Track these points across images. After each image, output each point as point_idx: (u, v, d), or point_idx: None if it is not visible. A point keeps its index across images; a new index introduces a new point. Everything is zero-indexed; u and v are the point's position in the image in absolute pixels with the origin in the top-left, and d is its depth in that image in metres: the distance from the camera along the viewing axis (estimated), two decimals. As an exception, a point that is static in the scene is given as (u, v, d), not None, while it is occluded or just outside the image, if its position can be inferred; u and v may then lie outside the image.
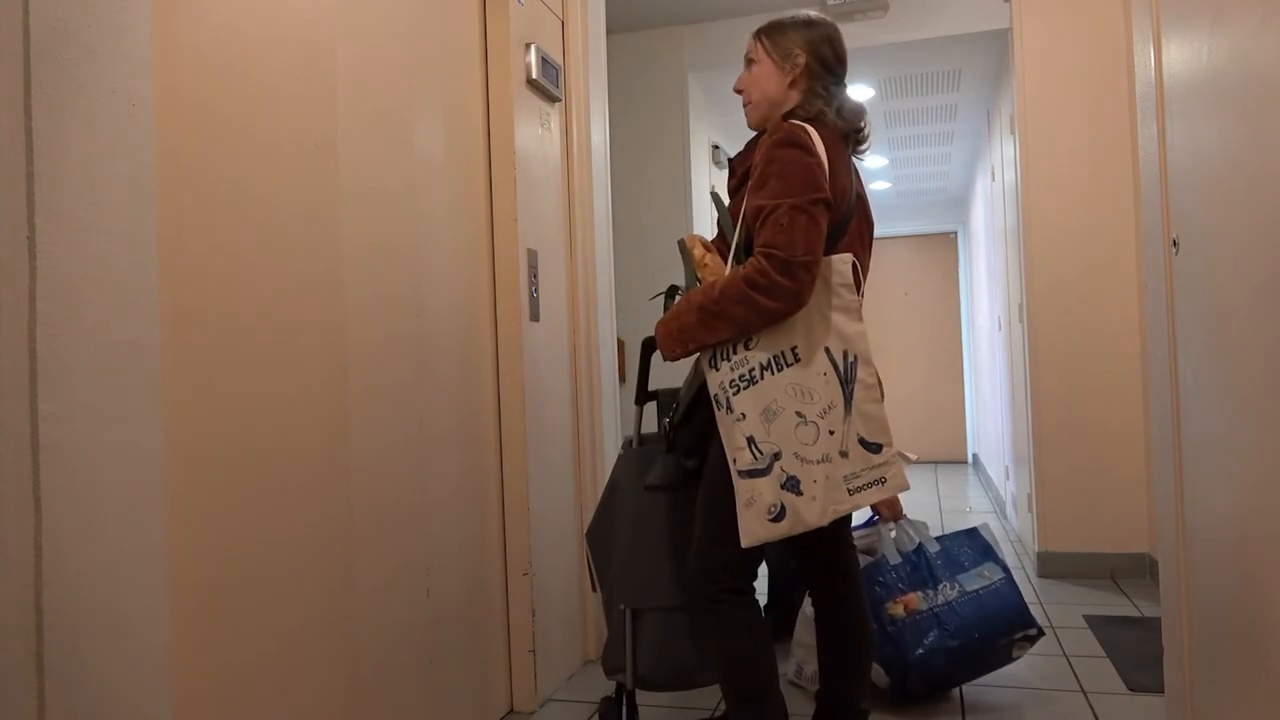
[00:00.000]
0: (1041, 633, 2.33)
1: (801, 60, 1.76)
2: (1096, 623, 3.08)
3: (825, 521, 1.59)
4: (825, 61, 1.77)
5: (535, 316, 2.51)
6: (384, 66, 1.92)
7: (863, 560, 2.29)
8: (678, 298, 1.75)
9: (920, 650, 2.21)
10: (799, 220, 1.56)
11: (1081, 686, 2.51)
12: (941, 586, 2.30)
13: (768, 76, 1.79)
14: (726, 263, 1.72)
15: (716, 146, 4.98)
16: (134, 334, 1.14)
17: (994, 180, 5.26)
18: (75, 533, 1.05)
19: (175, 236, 1.33)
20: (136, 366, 1.15)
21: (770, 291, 1.55)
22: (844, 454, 1.60)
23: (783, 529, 1.59)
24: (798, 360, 1.60)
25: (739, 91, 1.87)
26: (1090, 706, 2.37)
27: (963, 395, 8.35)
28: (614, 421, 3.00)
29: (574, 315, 2.78)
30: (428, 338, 2.06)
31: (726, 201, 1.87)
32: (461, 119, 2.30)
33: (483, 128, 2.42)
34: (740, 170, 1.77)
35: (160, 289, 1.22)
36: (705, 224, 4.74)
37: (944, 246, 8.49)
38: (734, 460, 1.62)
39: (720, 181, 5.12)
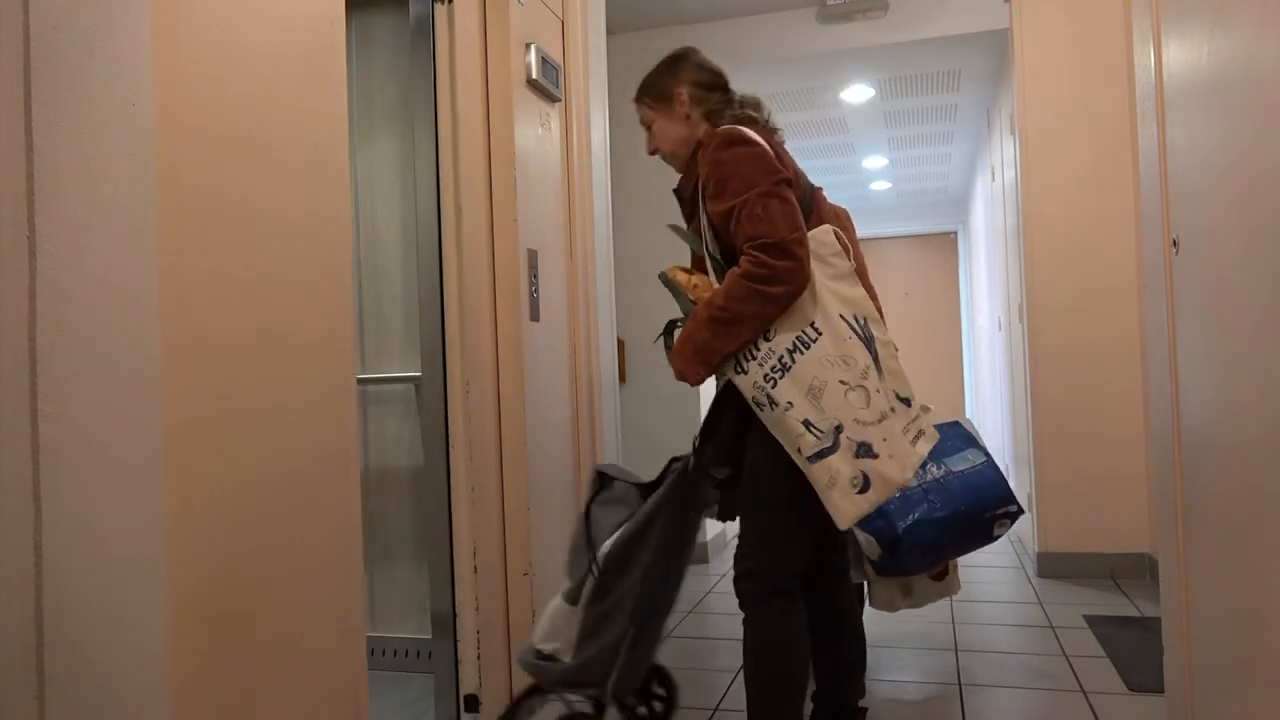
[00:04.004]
0: (1022, 510, 2.44)
1: (684, 95, 1.85)
2: (1096, 623, 3.08)
3: (909, 476, 1.60)
4: (703, 83, 1.86)
5: (535, 316, 2.51)
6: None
7: None
8: (678, 330, 1.76)
9: (909, 520, 2.33)
10: (771, 204, 1.60)
11: (1081, 686, 2.51)
12: (929, 467, 2.44)
13: (668, 127, 1.88)
14: (711, 278, 1.74)
15: (716, 146, 4.98)
16: (134, 334, 1.14)
17: (994, 180, 5.26)
18: (75, 533, 1.05)
19: (176, 236, 1.33)
20: (136, 366, 1.15)
21: (774, 278, 1.57)
22: (893, 410, 1.62)
23: (873, 498, 1.56)
24: (820, 334, 1.60)
25: (654, 153, 1.94)
26: (1090, 706, 2.37)
27: (963, 395, 8.35)
28: (614, 421, 3.00)
29: (574, 315, 2.78)
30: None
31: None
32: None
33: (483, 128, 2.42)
34: (688, 195, 1.81)
35: (160, 289, 1.22)
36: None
37: (944, 246, 8.49)
38: (798, 451, 1.59)
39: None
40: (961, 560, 4.29)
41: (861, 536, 2.36)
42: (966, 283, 8.15)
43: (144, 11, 1.19)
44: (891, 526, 2.35)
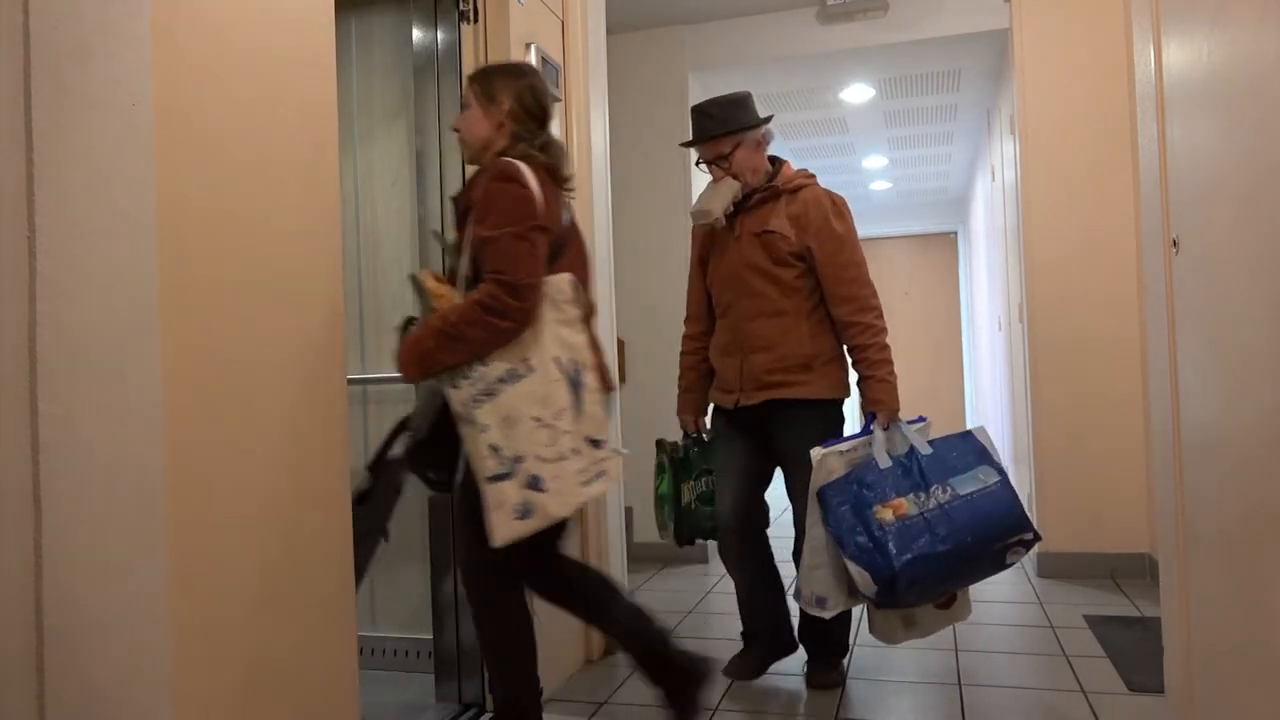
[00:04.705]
0: (1038, 537, 2.19)
1: (506, 106, 1.94)
2: (1096, 623, 3.08)
3: (568, 513, 1.80)
4: (528, 108, 1.96)
5: (535, 316, 2.50)
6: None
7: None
8: (412, 328, 1.89)
9: (908, 555, 2.09)
10: (520, 246, 1.76)
11: (1081, 686, 2.51)
12: (934, 489, 2.16)
13: (478, 119, 1.97)
14: (459, 292, 1.85)
15: (716, 146, 4.98)
16: (134, 334, 1.15)
17: (994, 180, 5.26)
18: (75, 533, 1.05)
19: (175, 236, 1.32)
20: (136, 366, 1.15)
21: (502, 313, 1.73)
22: (576, 451, 1.80)
23: (532, 525, 1.74)
24: (532, 371, 1.78)
25: (456, 130, 2.06)
26: (1090, 706, 2.37)
27: (963, 395, 8.35)
28: (614, 421, 3.00)
29: (574, 315, 2.77)
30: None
31: (450, 237, 2.05)
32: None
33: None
34: (462, 206, 1.92)
35: (161, 288, 1.22)
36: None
37: (944, 246, 8.49)
38: (481, 470, 1.75)
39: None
40: (961, 560, 4.29)
41: (855, 571, 2.16)
42: (966, 283, 8.15)
43: (144, 12, 1.19)
44: (888, 562, 2.10)
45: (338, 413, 1.69)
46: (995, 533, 2.14)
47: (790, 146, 6.18)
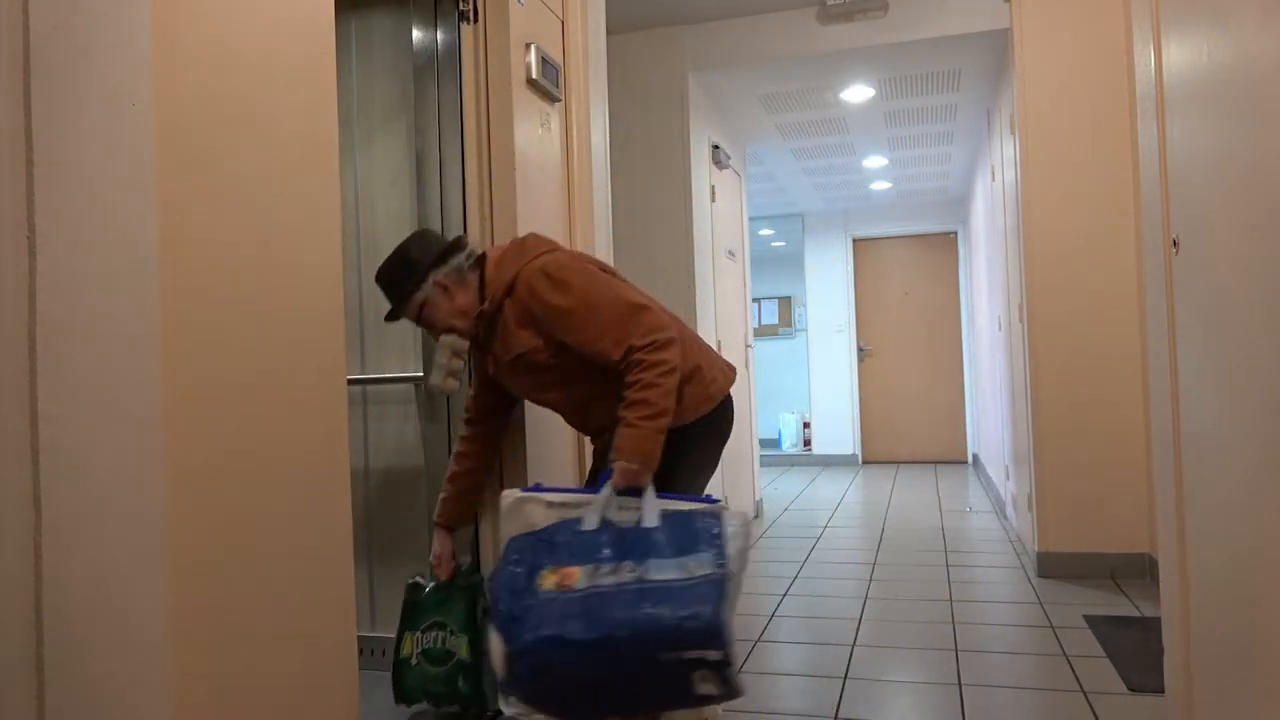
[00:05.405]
0: (728, 662, 1.60)
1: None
2: (1096, 623, 3.08)
3: None
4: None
5: (535, 316, 2.51)
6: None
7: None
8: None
9: (543, 633, 1.61)
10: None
11: (1081, 686, 2.51)
12: (623, 566, 1.69)
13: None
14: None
15: (716, 146, 4.98)
16: (134, 334, 1.14)
17: (994, 180, 5.26)
18: (75, 533, 1.05)
19: (175, 236, 1.32)
20: (136, 366, 1.15)
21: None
22: None
23: None
24: None
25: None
26: (1090, 706, 2.37)
27: (963, 395, 8.35)
28: (614, 421, 3.00)
29: (574, 315, 2.77)
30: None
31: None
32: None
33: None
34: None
35: (160, 289, 1.22)
36: (705, 222, 4.74)
37: (944, 246, 8.49)
38: None
39: (720, 181, 5.12)
40: (959, 559, 4.30)
41: (493, 641, 1.70)
42: (966, 283, 8.15)
43: (144, 12, 1.19)
44: (519, 635, 1.62)
45: (337, 413, 1.69)
46: (665, 637, 1.58)
47: (790, 146, 6.19)
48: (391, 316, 2.11)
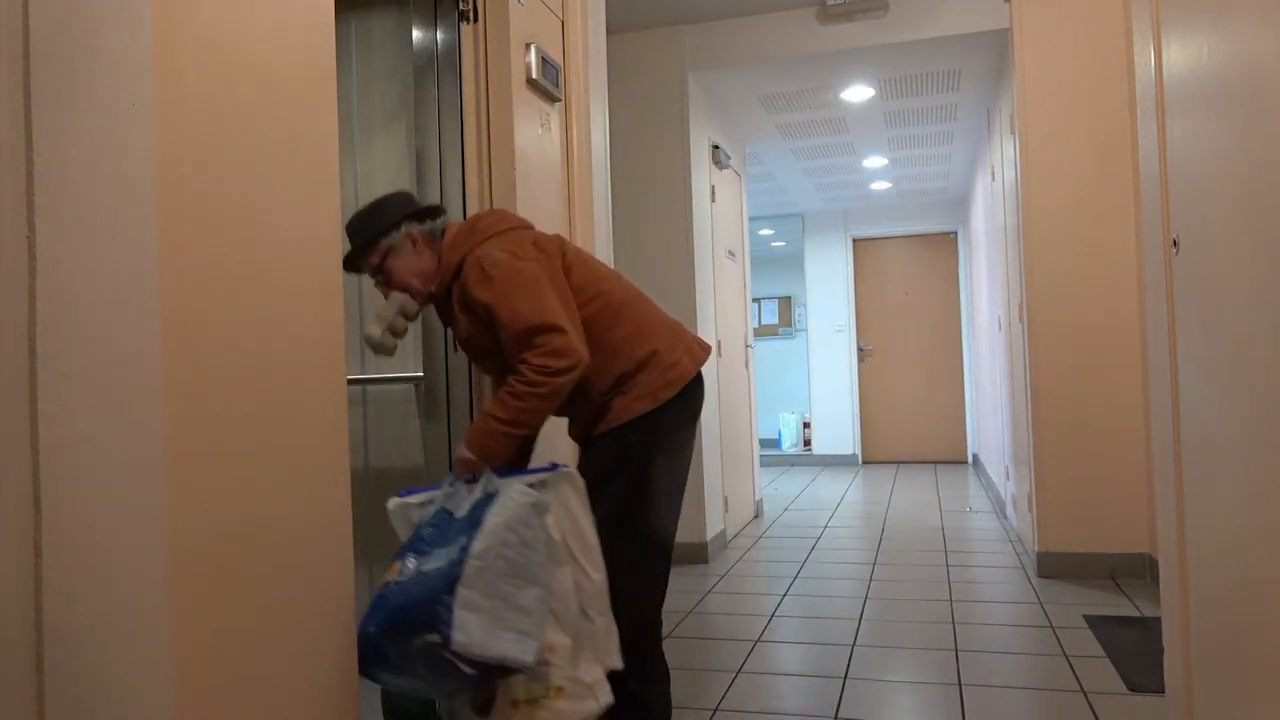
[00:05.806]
0: (446, 642, 1.70)
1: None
2: (1096, 623, 3.08)
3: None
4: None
5: (535, 316, 2.51)
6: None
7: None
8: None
9: (362, 624, 1.77)
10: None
11: (1081, 686, 2.51)
12: (407, 559, 1.81)
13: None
14: None
15: (716, 146, 4.98)
16: (134, 334, 1.15)
17: (994, 180, 5.26)
18: (75, 533, 1.05)
19: (175, 236, 1.33)
20: (136, 366, 1.15)
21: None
22: None
23: None
24: None
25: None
26: (1090, 706, 2.37)
27: (963, 395, 8.35)
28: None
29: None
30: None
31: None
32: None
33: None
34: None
35: (160, 289, 1.22)
36: (705, 222, 4.74)
37: (944, 246, 8.49)
38: None
39: (720, 181, 5.12)
40: (959, 559, 4.30)
41: None
42: (966, 283, 8.15)
43: (144, 12, 1.19)
44: (362, 624, 1.76)
45: (337, 413, 1.69)
46: (398, 626, 1.73)
47: (790, 146, 6.19)
48: (350, 265, 2.09)
